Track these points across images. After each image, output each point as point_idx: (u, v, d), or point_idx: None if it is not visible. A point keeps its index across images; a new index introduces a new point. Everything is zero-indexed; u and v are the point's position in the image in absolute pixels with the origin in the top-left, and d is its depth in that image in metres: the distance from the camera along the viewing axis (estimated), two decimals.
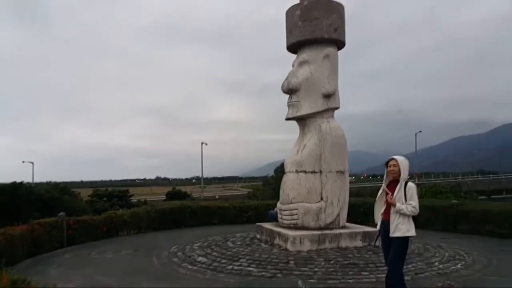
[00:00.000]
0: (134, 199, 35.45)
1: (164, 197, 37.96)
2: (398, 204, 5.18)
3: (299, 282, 5.80)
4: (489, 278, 6.72)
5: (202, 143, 57.20)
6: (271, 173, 37.29)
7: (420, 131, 63.57)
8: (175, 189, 39.40)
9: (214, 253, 8.52)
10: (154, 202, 22.52)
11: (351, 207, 10.05)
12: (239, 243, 9.42)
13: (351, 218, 13.26)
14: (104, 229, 11.81)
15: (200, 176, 62.83)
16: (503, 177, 67.69)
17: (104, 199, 32.66)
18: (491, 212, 11.73)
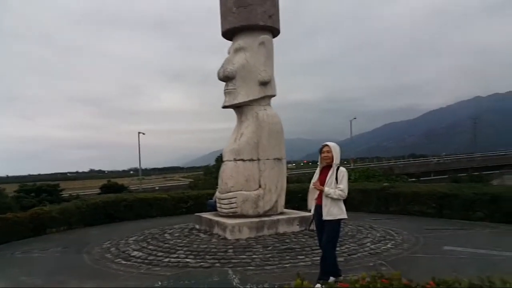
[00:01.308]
0: (65, 194, 33.57)
1: (98, 190, 36.38)
2: (326, 189, 5.38)
3: (229, 271, 5.84)
4: (417, 256, 7.22)
5: (139, 133, 55.63)
6: (213, 162, 37.12)
7: (355, 118, 66.79)
8: (111, 182, 37.80)
9: (150, 247, 8.32)
10: (87, 196, 21.48)
11: (289, 193, 10.31)
12: (177, 234, 9.29)
13: (290, 204, 13.60)
14: (30, 226, 11.08)
15: (138, 167, 61.14)
16: (432, 159, 73.04)
17: (32, 194, 30.56)
18: (419, 193, 12.58)
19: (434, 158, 76.37)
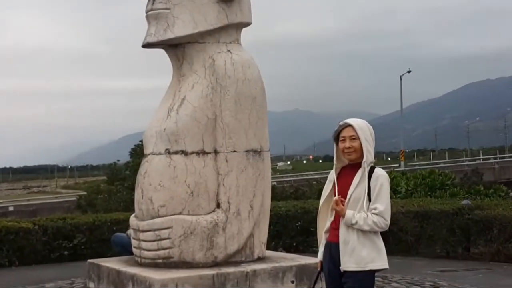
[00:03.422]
0: None
1: None
2: (348, 212, 5.44)
3: None
4: None
5: None
6: (126, 157, 37.04)
7: (410, 71, 67.48)
8: None
9: None
10: None
11: (279, 219, 10.33)
12: None
13: (281, 241, 13.75)
14: None
15: None
16: None
17: None
18: None
19: None
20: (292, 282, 9.15)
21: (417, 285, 10.08)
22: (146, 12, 9.39)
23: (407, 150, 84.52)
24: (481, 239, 13.55)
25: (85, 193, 47.31)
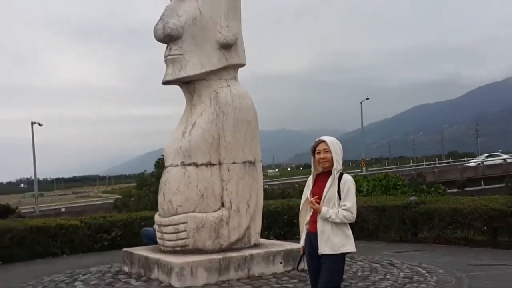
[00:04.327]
0: None
1: None
2: (324, 208, 5.43)
3: None
4: None
5: (32, 123, 54.56)
6: (151, 168, 36.82)
7: (368, 98, 67.62)
8: None
9: None
10: None
11: (270, 214, 10.37)
12: (94, 282, 9.22)
13: (271, 231, 13.72)
14: None
15: (33, 177, 60.00)
16: (481, 161, 74.68)
17: None
18: (462, 211, 12.86)
19: (481, 158, 78.21)
20: (281, 263, 9.16)
21: (377, 263, 10.06)
22: (165, 57, 9.43)
23: (367, 159, 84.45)
24: (425, 227, 13.54)
25: (120, 196, 47.04)
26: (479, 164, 67.25)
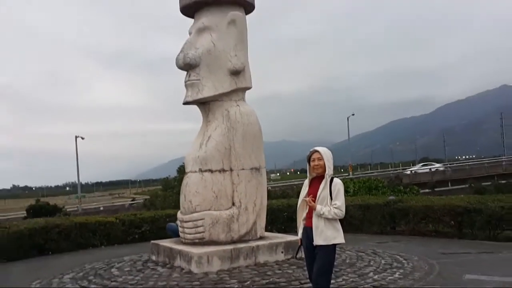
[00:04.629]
0: None
1: (24, 213, 35.67)
2: (318, 207, 5.44)
3: None
4: None
5: (76, 137, 54.83)
6: (174, 173, 36.86)
7: (353, 114, 67.68)
8: (40, 202, 37.17)
9: (92, 286, 8.19)
10: (9, 221, 20.97)
11: (272, 212, 10.36)
12: (127, 269, 9.18)
13: (273, 226, 13.69)
14: None
15: (76, 182, 60.16)
16: (449, 165, 74.49)
17: None
18: (433, 208, 12.82)
19: (448, 164, 77.87)
20: (282, 252, 9.13)
21: (362, 252, 10.02)
22: (185, 82, 9.46)
23: (353, 165, 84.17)
24: (402, 221, 13.51)
25: (148, 197, 47.07)
26: (413, 172, 65.12)
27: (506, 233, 11.74)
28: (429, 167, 64.54)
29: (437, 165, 67.43)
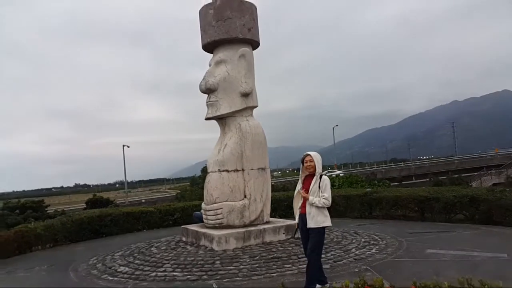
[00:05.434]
0: (50, 210, 32.91)
1: (84, 205, 35.75)
2: (310, 197, 5.42)
3: (214, 285, 5.81)
4: (400, 260, 7.28)
5: (123, 146, 55.07)
6: (199, 172, 36.94)
7: (337, 125, 67.46)
8: (96, 196, 37.16)
9: (136, 261, 8.18)
10: (73, 212, 21.09)
11: (275, 201, 10.32)
12: (163, 248, 9.16)
13: (276, 213, 13.64)
14: (15, 245, 10.80)
15: (124, 180, 60.36)
16: (412, 164, 74.08)
17: (17, 211, 29.81)
18: (401, 197, 12.73)
19: (412, 162, 77.24)
20: (283, 233, 9.06)
21: (346, 232, 9.94)
22: (206, 102, 9.41)
23: (338, 164, 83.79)
24: (377, 208, 13.40)
25: (179, 191, 47.11)
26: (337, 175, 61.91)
27: (458, 216, 11.64)
28: (334, 173, 58.82)
29: (338, 171, 62.50)
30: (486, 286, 2.78)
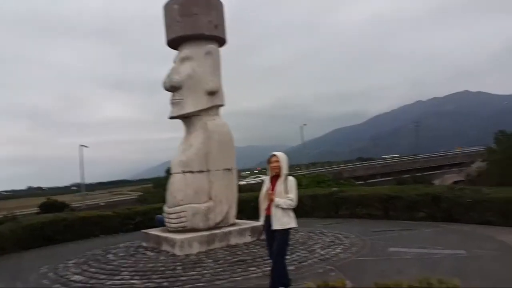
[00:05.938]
0: None
1: (37, 209, 34.37)
2: (276, 199, 5.46)
3: None
4: (364, 259, 7.49)
5: (80, 146, 53.42)
6: (163, 173, 36.36)
7: (305, 124, 68.39)
8: (50, 200, 35.82)
9: (91, 269, 7.93)
10: (24, 217, 20.19)
11: (241, 202, 10.22)
12: (122, 254, 8.96)
13: (243, 214, 13.64)
14: None
15: (80, 182, 58.54)
16: (377, 163, 76.06)
17: None
18: (366, 196, 13.09)
19: (377, 161, 79.41)
20: (249, 235, 9.11)
21: (312, 232, 10.09)
22: (171, 101, 9.30)
23: (306, 163, 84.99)
24: (343, 207, 13.71)
25: (141, 193, 46.20)
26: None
27: (420, 214, 12.07)
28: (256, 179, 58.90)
29: (264, 177, 63.44)
30: (444, 285, 2.93)
